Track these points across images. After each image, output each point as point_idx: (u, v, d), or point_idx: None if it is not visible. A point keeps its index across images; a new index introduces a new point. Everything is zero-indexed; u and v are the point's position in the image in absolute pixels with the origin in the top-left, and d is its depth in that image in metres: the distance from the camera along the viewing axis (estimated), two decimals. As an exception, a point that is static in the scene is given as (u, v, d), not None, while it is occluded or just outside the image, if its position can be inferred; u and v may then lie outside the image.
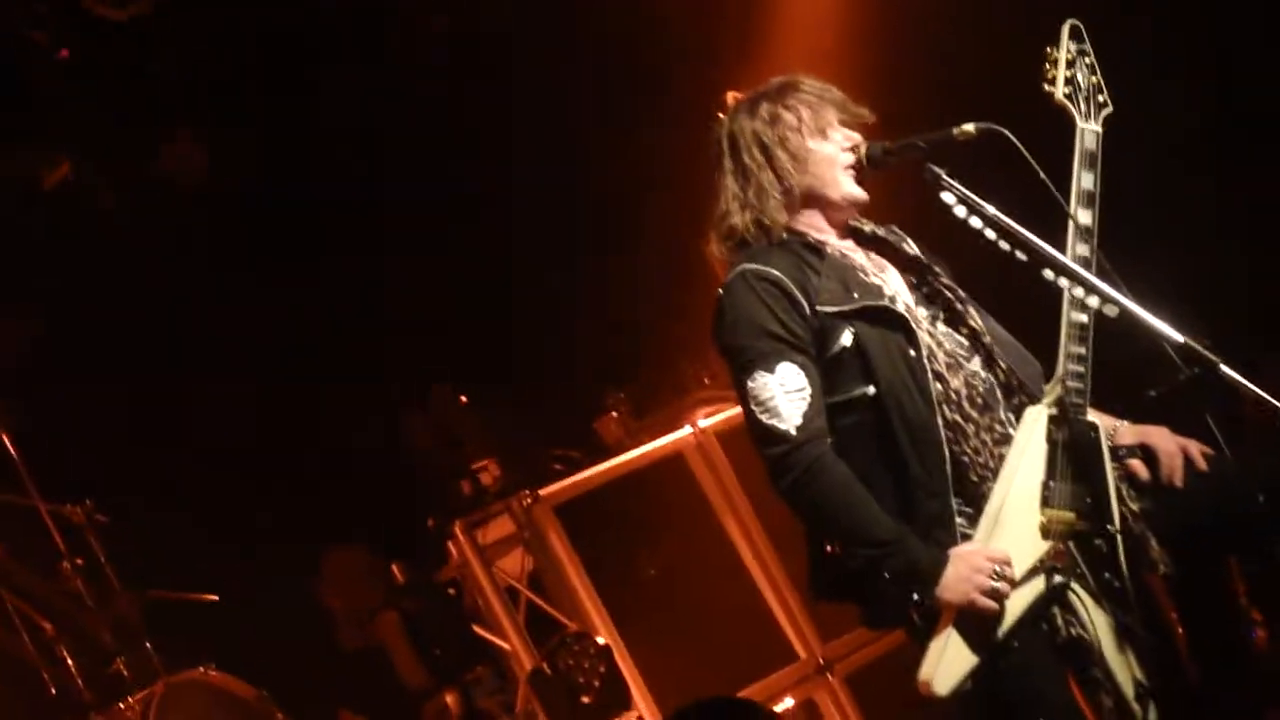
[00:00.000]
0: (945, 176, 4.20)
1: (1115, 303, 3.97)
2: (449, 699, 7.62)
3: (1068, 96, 4.29)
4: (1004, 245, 4.12)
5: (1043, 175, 4.11)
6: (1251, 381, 3.74)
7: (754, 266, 4.18)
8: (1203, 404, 3.98)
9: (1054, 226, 4.15)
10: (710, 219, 4.38)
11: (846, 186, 4.29)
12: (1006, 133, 4.13)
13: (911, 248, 4.42)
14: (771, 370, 4.06)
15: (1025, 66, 4.43)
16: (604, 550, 7.35)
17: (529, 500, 7.26)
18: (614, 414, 8.21)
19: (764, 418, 4.05)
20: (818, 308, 4.12)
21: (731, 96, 4.56)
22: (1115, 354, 4.13)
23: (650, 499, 7.47)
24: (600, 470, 7.51)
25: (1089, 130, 4.27)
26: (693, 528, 7.46)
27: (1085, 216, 4.19)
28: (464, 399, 8.30)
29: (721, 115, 4.49)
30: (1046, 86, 4.31)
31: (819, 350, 4.11)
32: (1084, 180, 4.22)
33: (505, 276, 9.38)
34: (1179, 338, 3.82)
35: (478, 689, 7.59)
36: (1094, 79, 4.33)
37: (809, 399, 4.04)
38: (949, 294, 4.32)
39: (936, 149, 4.23)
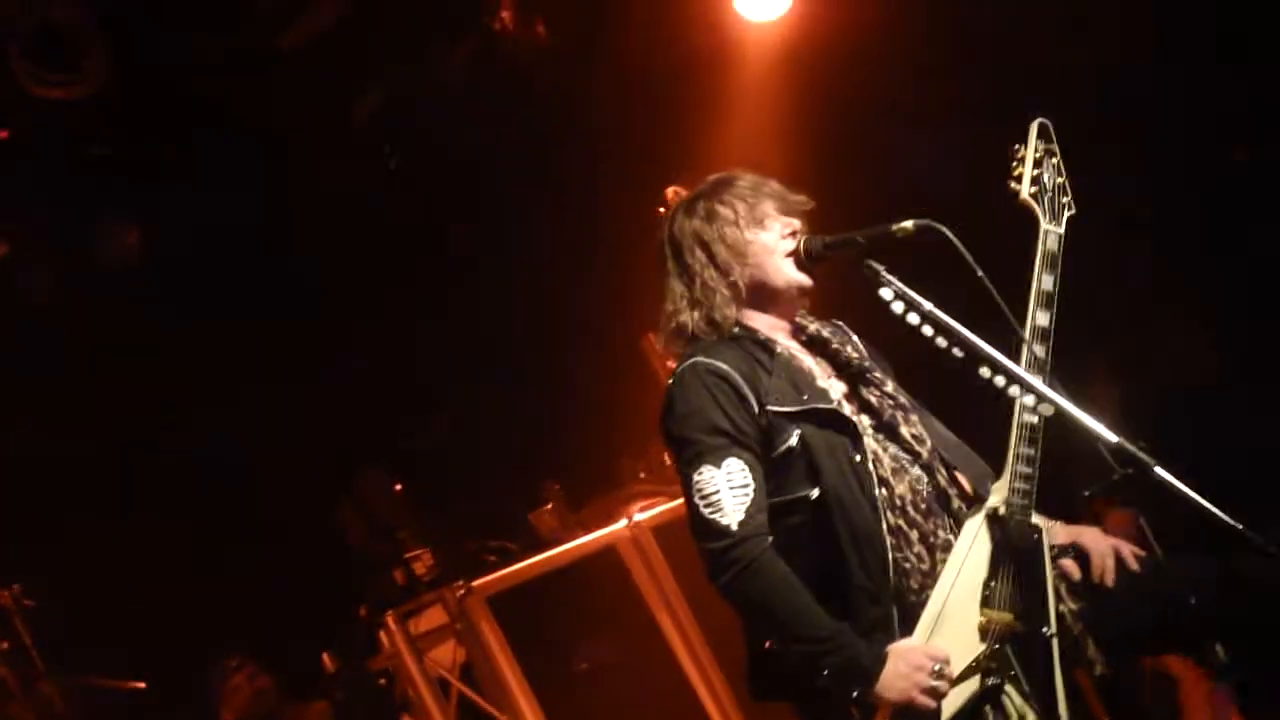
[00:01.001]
0: (884, 272, 4.21)
1: (1051, 402, 4.00)
2: (378, 790, 7.56)
3: (1033, 196, 4.27)
4: (940, 341, 4.14)
5: (980, 273, 4.09)
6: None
7: (705, 360, 4.16)
8: (1136, 505, 4.00)
9: (1005, 324, 4.15)
10: (659, 319, 4.36)
11: (789, 271, 4.27)
12: (945, 230, 4.10)
13: (856, 348, 4.41)
14: (718, 465, 4.04)
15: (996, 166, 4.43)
16: (537, 643, 7.31)
17: (462, 591, 7.22)
18: (549, 506, 8.19)
19: (706, 511, 4.02)
20: (767, 406, 4.10)
21: (673, 192, 4.57)
22: (1052, 453, 4.14)
23: (584, 592, 7.44)
24: (534, 562, 7.48)
25: (1052, 232, 4.24)
26: (626, 622, 7.42)
27: (1043, 318, 4.17)
28: (398, 488, 8.27)
29: (663, 211, 4.51)
30: (1013, 185, 4.30)
31: (765, 448, 4.10)
32: (1044, 282, 4.19)
33: (443, 368, 9.37)
34: (1113, 438, 3.84)
35: (407, 780, 7.53)
36: (1059, 180, 4.31)
37: (752, 495, 4.02)
38: (890, 402, 4.29)
39: (876, 244, 4.22)
